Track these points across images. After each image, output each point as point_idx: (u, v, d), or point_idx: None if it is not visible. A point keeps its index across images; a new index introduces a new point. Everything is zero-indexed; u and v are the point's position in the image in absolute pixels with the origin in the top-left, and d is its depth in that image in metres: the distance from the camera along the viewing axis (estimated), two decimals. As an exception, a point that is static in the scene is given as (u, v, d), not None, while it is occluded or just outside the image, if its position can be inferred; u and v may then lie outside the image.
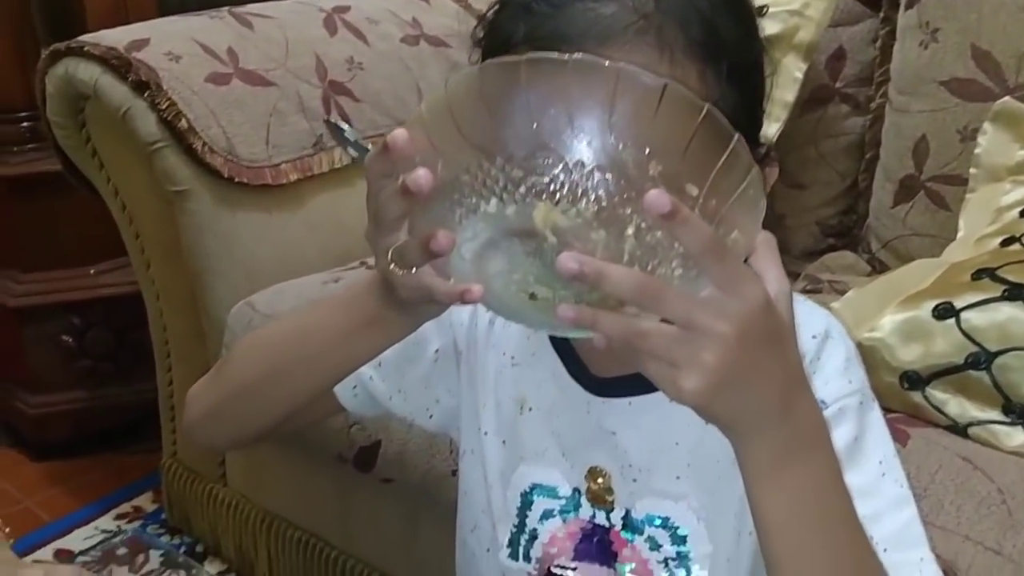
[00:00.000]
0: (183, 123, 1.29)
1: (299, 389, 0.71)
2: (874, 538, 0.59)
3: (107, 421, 1.74)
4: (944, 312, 0.94)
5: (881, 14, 1.37)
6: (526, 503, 0.72)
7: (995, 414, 0.91)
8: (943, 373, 0.93)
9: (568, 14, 0.57)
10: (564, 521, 0.72)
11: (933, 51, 1.26)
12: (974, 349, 0.92)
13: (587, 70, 0.49)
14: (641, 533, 0.69)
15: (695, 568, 0.69)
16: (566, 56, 0.49)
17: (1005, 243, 1.05)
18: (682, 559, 0.69)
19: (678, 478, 0.67)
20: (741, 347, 0.47)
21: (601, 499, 0.70)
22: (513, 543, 0.74)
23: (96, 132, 1.37)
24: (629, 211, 0.49)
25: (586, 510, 0.71)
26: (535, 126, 0.50)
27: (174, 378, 1.48)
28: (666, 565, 0.69)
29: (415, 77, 1.54)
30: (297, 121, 1.40)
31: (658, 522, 0.69)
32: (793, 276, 1.35)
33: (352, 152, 0.62)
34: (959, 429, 0.92)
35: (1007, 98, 1.17)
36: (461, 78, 0.51)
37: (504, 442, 0.74)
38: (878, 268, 1.32)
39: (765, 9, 1.28)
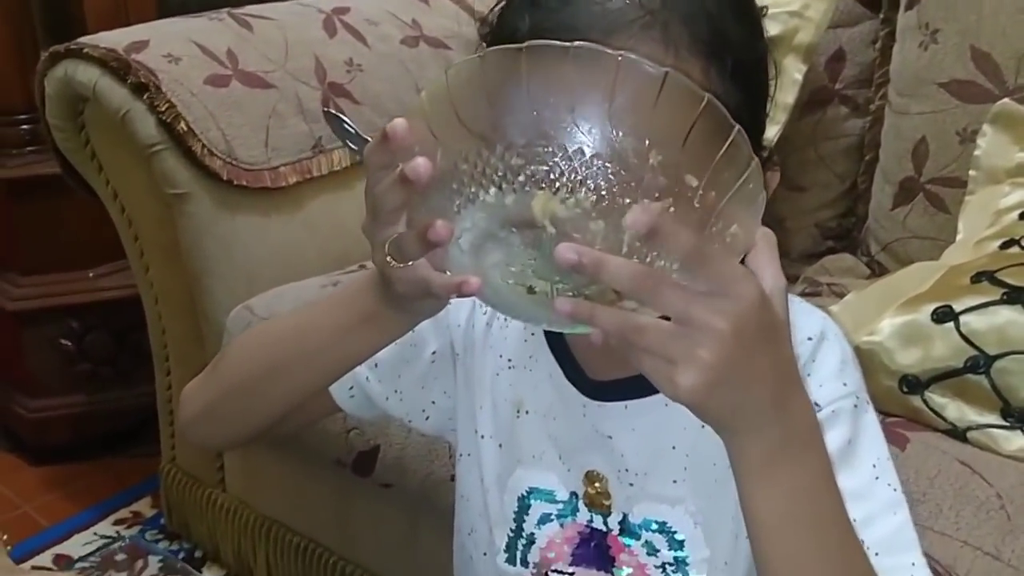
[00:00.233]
0: (182, 125, 1.29)
1: (296, 387, 0.70)
2: (866, 542, 0.59)
3: (106, 425, 1.74)
4: (943, 316, 0.94)
5: (881, 15, 1.37)
6: (523, 507, 0.72)
7: (994, 418, 0.91)
8: (942, 377, 0.93)
9: (574, 8, 0.57)
10: (561, 525, 0.72)
11: (933, 53, 1.25)
12: (973, 353, 0.92)
13: (588, 59, 0.49)
14: (638, 538, 0.69)
15: (692, 572, 0.68)
16: (567, 44, 0.49)
17: (1004, 246, 1.05)
18: (679, 563, 0.69)
19: (675, 482, 0.67)
20: (737, 343, 0.47)
21: (598, 503, 0.70)
22: (510, 547, 0.73)
23: (95, 134, 1.37)
24: (628, 201, 0.48)
25: (583, 514, 0.71)
26: (535, 114, 0.50)
27: (173, 382, 1.48)
28: (663, 570, 0.69)
29: (415, 78, 1.54)
30: (296, 123, 1.40)
31: (655, 526, 0.69)
32: (792, 279, 1.35)
33: (351, 145, 0.62)
34: (958, 433, 0.92)
35: (1006, 100, 1.17)
36: (462, 66, 0.51)
37: (501, 445, 0.74)
38: (877, 271, 1.32)
39: (765, 10, 1.27)
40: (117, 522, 1.60)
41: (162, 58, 1.32)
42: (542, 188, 0.50)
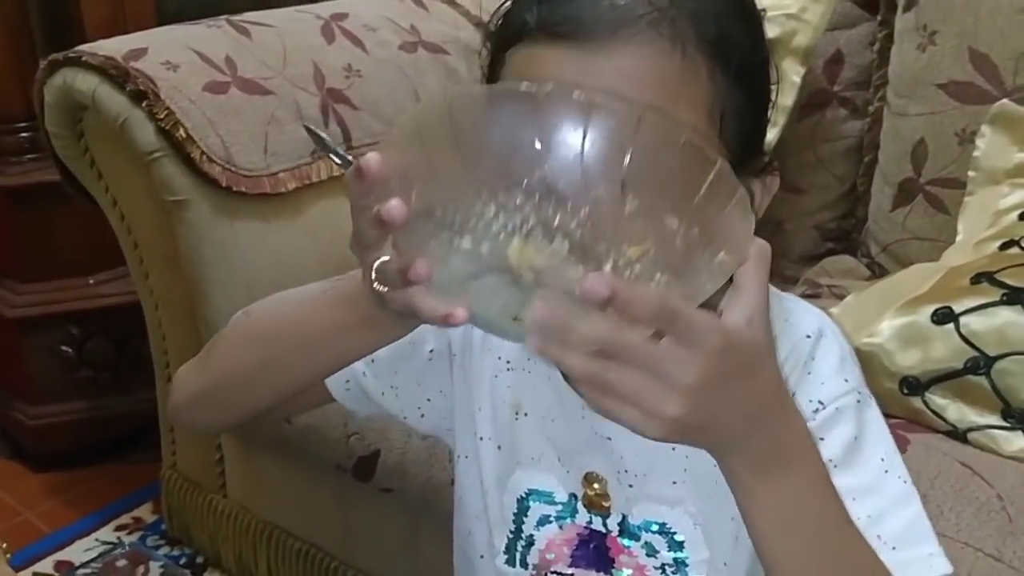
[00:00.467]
0: (181, 132, 1.29)
1: (289, 380, 0.70)
2: (882, 537, 0.59)
3: (107, 431, 1.74)
4: (943, 317, 0.94)
5: (879, 17, 1.37)
6: (522, 508, 0.72)
7: (994, 419, 0.91)
8: (942, 378, 0.93)
9: (583, 2, 0.56)
10: (561, 527, 0.72)
11: (931, 54, 1.26)
12: (973, 354, 0.92)
13: (558, 101, 0.48)
14: (638, 539, 0.69)
15: (692, 573, 0.68)
16: (534, 88, 0.48)
17: (1004, 247, 1.05)
18: (679, 565, 0.68)
19: (674, 483, 0.67)
20: (706, 391, 0.48)
21: (597, 505, 0.70)
22: (510, 549, 0.73)
23: (94, 142, 1.37)
24: (606, 247, 0.48)
25: (583, 516, 0.71)
26: (505, 162, 0.49)
27: (173, 388, 1.48)
28: (663, 571, 0.69)
29: (413, 84, 1.54)
30: (295, 129, 1.40)
31: (655, 528, 0.69)
32: (792, 280, 1.35)
33: (335, 160, 0.61)
34: (958, 434, 0.92)
35: (1005, 101, 1.17)
36: (431, 107, 0.50)
37: (500, 447, 0.73)
38: (877, 272, 1.32)
39: (763, 13, 1.27)
40: (118, 528, 1.60)
41: (160, 65, 1.32)
42: (516, 238, 0.49)
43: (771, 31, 1.31)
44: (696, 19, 0.57)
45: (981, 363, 0.91)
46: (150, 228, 1.39)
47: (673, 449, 0.67)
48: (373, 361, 0.74)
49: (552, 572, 0.72)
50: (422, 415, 0.78)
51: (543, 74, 0.56)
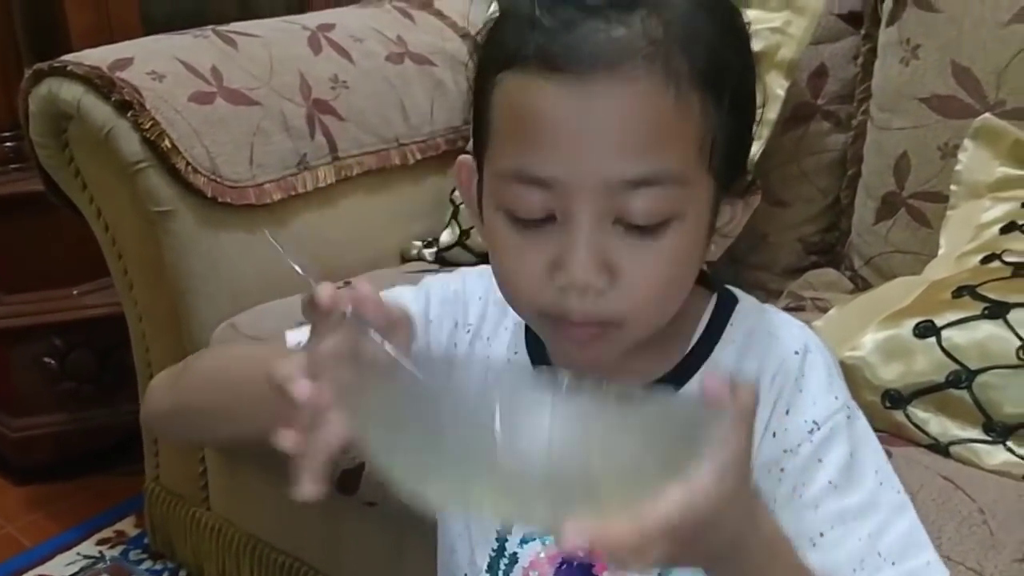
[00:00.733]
0: (166, 143, 1.29)
1: (244, 429, 0.70)
2: (881, 553, 0.60)
3: (89, 443, 1.73)
4: (925, 330, 0.95)
5: (862, 31, 1.37)
6: (505, 526, 0.72)
7: (976, 432, 0.91)
8: (924, 391, 0.94)
9: (579, 33, 0.55)
10: (544, 544, 0.71)
11: (914, 68, 1.26)
12: (955, 367, 0.92)
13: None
14: None
15: None
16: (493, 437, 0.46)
17: (985, 260, 1.05)
18: (663, 582, 0.68)
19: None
20: (675, 556, 0.48)
21: None
22: (492, 567, 0.73)
23: (79, 152, 1.37)
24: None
25: None
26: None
27: (157, 399, 1.47)
28: (647, 589, 0.69)
29: (399, 95, 1.54)
30: (281, 140, 1.40)
31: None
32: (776, 294, 1.35)
33: (297, 270, 0.60)
34: (940, 448, 0.92)
35: (987, 115, 1.18)
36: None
37: None
38: (861, 285, 1.32)
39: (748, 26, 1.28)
40: (100, 542, 1.59)
41: (146, 75, 1.32)
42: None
43: (756, 45, 1.31)
44: (689, 50, 0.56)
45: (963, 377, 0.91)
46: (135, 239, 1.39)
47: None
48: None
49: (535, 590, 0.72)
50: None
51: (538, 106, 0.56)
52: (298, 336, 0.72)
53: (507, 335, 0.73)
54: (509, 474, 0.45)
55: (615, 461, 0.46)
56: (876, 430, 0.93)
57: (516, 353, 0.72)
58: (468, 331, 0.74)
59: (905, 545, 0.62)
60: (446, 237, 1.50)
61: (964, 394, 0.91)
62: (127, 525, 1.62)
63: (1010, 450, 0.90)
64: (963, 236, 1.13)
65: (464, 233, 1.48)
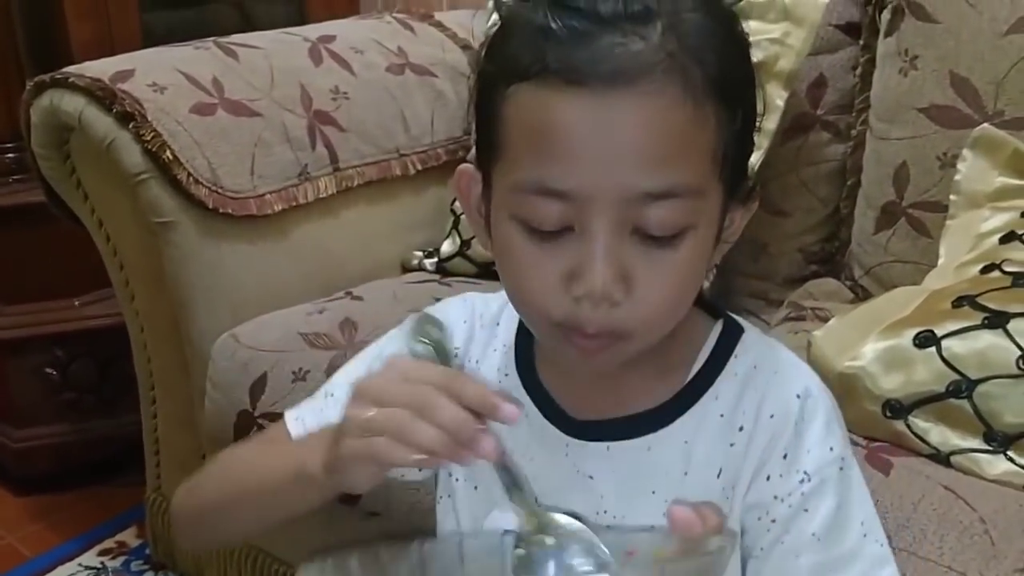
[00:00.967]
0: (168, 154, 1.29)
1: (272, 516, 0.72)
2: None
3: (90, 454, 1.73)
4: (925, 340, 0.95)
5: (861, 42, 1.38)
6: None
7: (977, 442, 0.91)
8: (925, 401, 0.94)
9: (597, 47, 0.55)
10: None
11: (912, 78, 1.27)
12: (955, 377, 0.92)
13: None
14: None
15: None
16: None
17: (985, 270, 1.05)
18: (654, 606, 0.68)
19: (653, 528, 0.67)
20: None
21: None
22: (490, 579, 0.73)
23: (80, 163, 1.37)
24: None
25: None
26: None
27: (158, 410, 1.47)
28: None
29: (400, 106, 1.55)
30: (282, 151, 1.40)
31: None
32: (776, 303, 1.35)
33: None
34: (941, 458, 0.92)
35: (985, 125, 1.18)
36: None
37: (476, 488, 0.73)
38: (861, 295, 1.32)
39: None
40: (102, 552, 1.58)
41: (147, 87, 1.32)
42: None
43: (755, 55, 1.32)
44: (703, 60, 0.56)
45: (963, 386, 0.91)
46: (136, 249, 1.39)
47: (653, 493, 0.67)
48: None
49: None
50: (420, 469, 0.77)
51: (557, 120, 0.56)
52: (296, 414, 0.73)
53: (496, 356, 0.73)
54: None
55: None
56: (877, 440, 0.95)
57: (507, 375, 0.72)
58: (455, 355, 0.74)
59: None
60: (447, 247, 1.51)
61: (965, 404, 0.91)
62: (128, 536, 1.62)
63: (1011, 460, 0.90)
64: (963, 246, 1.13)
65: (465, 243, 1.49)
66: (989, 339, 0.93)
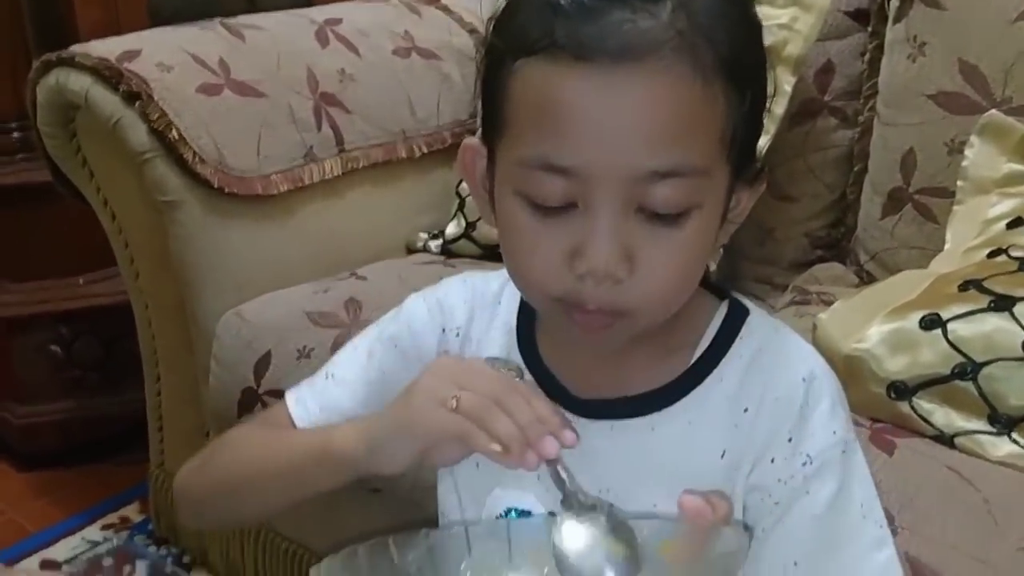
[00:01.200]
0: (174, 133, 1.29)
1: (276, 499, 0.73)
2: None
3: (95, 431, 1.73)
4: (931, 323, 0.95)
5: (869, 28, 1.38)
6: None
7: (981, 424, 0.91)
8: (930, 383, 0.94)
9: (606, 23, 0.54)
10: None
11: (921, 65, 1.27)
12: (960, 360, 0.92)
13: None
14: None
15: None
16: None
17: (992, 255, 1.05)
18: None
19: (655, 506, 0.67)
20: None
21: None
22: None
23: (86, 142, 1.37)
24: None
25: None
26: None
27: (162, 388, 1.48)
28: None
29: (406, 89, 1.55)
30: (288, 132, 1.40)
31: None
32: (781, 288, 1.35)
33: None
34: (945, 439, 0.92)
35: (993, 111, 1.18)
36: None
37: (478, 465, 0.72)
38: (866, 280, 1.32)
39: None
40: (105, 527, 1.59)
41: (154, 67, 1.32)
42: None
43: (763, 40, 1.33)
44: (714, 40, 0.56)
45: (968, 369, 0.92)
46: (141, 228, 1.39)
47: (656, 472, 0.66)
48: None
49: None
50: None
51: (564, 96, 0.55)
52: (297, 396, 0.74)
53: (498, 336, 0.72)
54: None
55: None
56: (880, 421, 0.95)
57: (508, 354, 0.72)
58: (457, 334, 0.74)
59: None
60: (452, 229, 1.51)
61: (969, 386, 0.91)
62: (131, 512, 1.62)
63: (1015, 442, 0.90)
64: (969, 231, 1.13)
65: (470, 225, 1.49)
66: (995, 322, 0.93)
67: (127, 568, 1.55)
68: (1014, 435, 0.91)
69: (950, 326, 0.94)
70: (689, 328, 0.66)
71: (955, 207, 1.18)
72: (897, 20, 1.30)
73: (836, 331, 0.99)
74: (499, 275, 0.73)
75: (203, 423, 1.38)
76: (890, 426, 0.94)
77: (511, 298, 0.73)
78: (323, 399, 0.74)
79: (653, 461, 0.66)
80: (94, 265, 1.68)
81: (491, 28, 0.62)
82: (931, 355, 0.94)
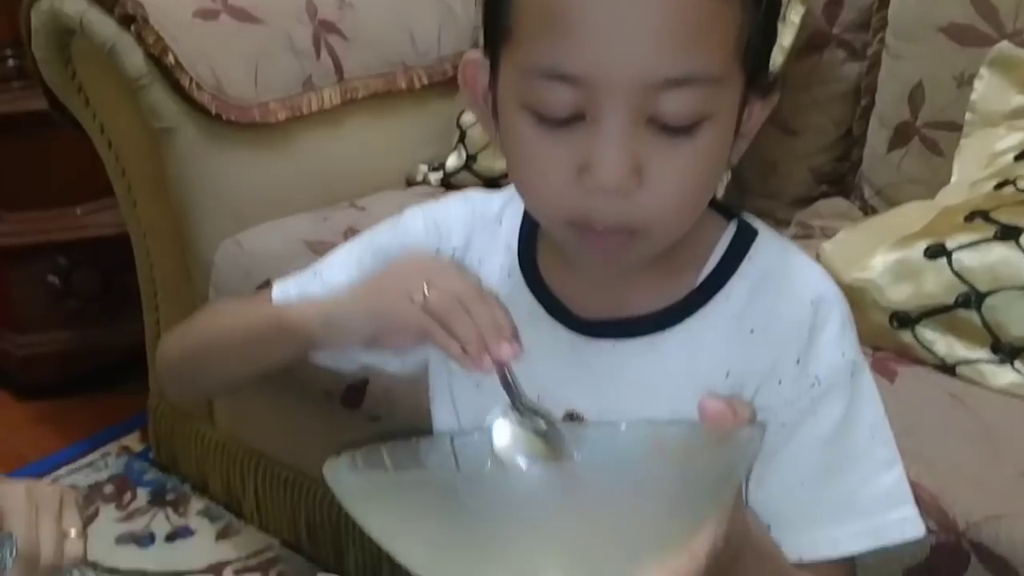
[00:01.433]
0: (170, 58, 1.27)
1: (251, 366, 0.73)
2: (856, 506, 0.61)
3: (94, 362, 1.73)
4: (936, 252, 0.94)
5: (879, -41, 1.35)
6: None
7: (983, 353, 0.91)
8: (933, 313, 0.93)
9: None
10: None
11: (932, -4, 1.24)
12: (964, 289, 0.92)
13: None
14: None
15: None
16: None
17: (999, 186, 1.04)
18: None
19: (682, 421, 0.66)
20: None
21: None
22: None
23: (82, 68, 1.35)
24: None
25: None
26: None
27: (161, 318, 1.47)
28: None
29: (407, 19, 1.52)
30: (286, 60, 1.38)
31: None
32: (784, 223, 1.34)
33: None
34: (947, 368, 0.92)
35: (1004, 43, 1.16)
36: None
37: (478, 385, 0.72)
38: (870, 215, 1.31)
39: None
40: (105, 455, 1.59)
41: (150, -11, 1.30)
42: None
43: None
44: None
45: (972, 298, 0.91)
46: (138, 156, 1.38)
47: (659, 392, 0.65)
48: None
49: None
50: (402, 363, 0.76)
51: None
52: (283, 286, 0.74)
53: (499, 256, 0.71)
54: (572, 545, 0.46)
55: (653, 512, 0.46)
56: (880, 349, 0.94)
57: (510, 275, 0.71)
58: (453, 255, 0.72)
59: (884, 500, 0.62)
60: (452, 162, 1.49)
61: (973, 315, 0.91)
62: (132, 441, 1.63)
63: (1017, 371, 0.90)
64: (977, 164, 1.12)
65: (471, 158, 1.47)
66: (1000, 252, 0.92)
67: (127, 495, 1.58)
68: (1016, 364, 0.90)
69: (955, 256, 0.93)
70: (696, 248, 0.65)
71: (963, 140, 1.17)
72: (909, -50, 1.28)
73: (840, 260, 0.98)
74: (501, 194, 0.71)
75: (202, 353, 1.38)
76: (892, 355, 0.94)
77: (513, 217, 0.71)
78: (305, 293, 0.74)
79: (655, 381, 0.66)
80: (91, 196, 1.67)
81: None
82: (935, 285, 0.93)
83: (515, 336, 0.61)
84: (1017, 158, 1.09)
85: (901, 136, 1.27)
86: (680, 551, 0.47)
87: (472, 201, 0.74)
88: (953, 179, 1.14)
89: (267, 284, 1.23)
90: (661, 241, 0.59)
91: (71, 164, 1.60)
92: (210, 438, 1.45)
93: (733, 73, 0.57)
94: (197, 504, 1.47)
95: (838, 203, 1.35)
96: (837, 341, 0.63)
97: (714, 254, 0.65)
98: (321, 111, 1.41)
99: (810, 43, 1.36)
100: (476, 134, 1.46)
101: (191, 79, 1.29)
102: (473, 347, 0.59)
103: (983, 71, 1.16)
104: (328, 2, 1.45)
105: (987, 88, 1.16)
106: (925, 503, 0.76)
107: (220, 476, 1.45)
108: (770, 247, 0.66)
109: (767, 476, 0.63)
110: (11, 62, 1.65)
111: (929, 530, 0.75)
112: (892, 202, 1.28)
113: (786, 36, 1.29)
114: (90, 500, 1.46)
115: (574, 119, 0.55)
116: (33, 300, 1.70)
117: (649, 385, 0.66)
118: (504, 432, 0.59)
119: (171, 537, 1.42)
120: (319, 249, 1.24)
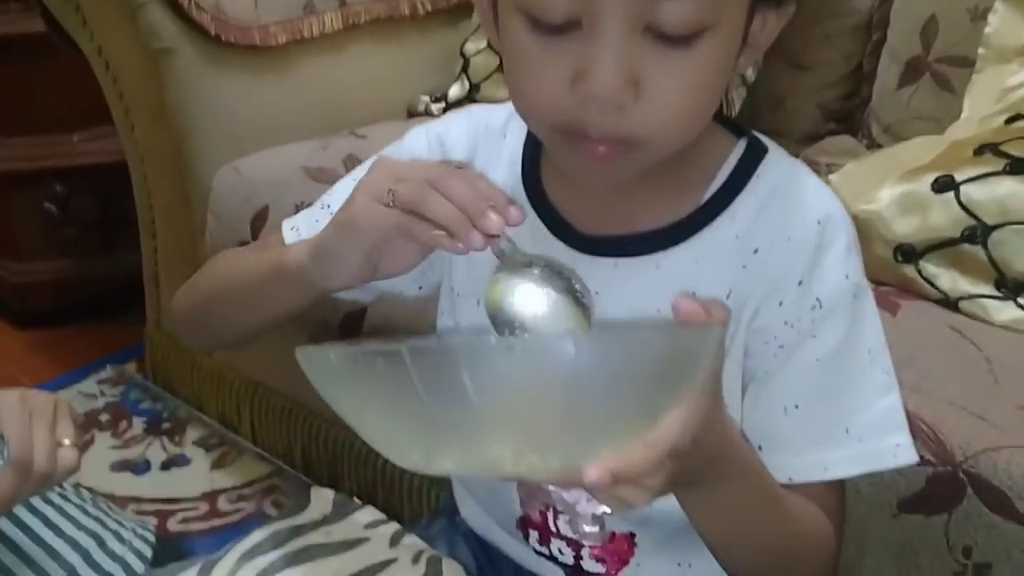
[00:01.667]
0: (168, -23, 1.24)
1: (260, 320, 0.71)
2: (850, 430, 0.60)
3: (92, 291, 1.72)
4: (944, 185, 0.93)
5: None
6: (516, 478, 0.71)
7: (987, 288, 0.90)
8: (938, 246, 0.92)
9: None
10: None
11: (948, -73, 1.21)
12: (971, 223, 0.91)
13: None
14: None
15: None
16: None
17: (1010, 121, 1.03)
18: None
19: (655, 321, 0.66)
20: (666, 487, 0.49)
21: None
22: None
23: (79, -13, 1.32)
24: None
25: None
26: None
27: (159, 246, 1.46)
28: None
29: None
30: (287, -17, 1.35)
31: None
32: (791, 159, 1.32)
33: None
34: (950, 303, 0.91)
35: (1022, -25, 1.13)
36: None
37: (479, 302, 0.71)
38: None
39: None
40: (101, 383, 1.59)
41: (148, -96, 1.26)
42: None
43: None
44: None
45: (978, 232, 0.90)
46: (136, 78, 1.36)
47: (659, 311, 0.65)
48: None
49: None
50: (420, 287, 0.75)
51: None
52: (292, 223, 0.72)
53: (502, 170, 0.70)
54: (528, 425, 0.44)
55: (613, 399, 0.45)
56: (883, 284, 0.93)
57: (512, 190, 0.70)
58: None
59: (878, 425, 0.61)
60: (455, 91, 1.47)
61: (978, 250, 0.90)
62: (128, 369, 1.62)
63: (1020, 307, 0.89)
64: (988, 99, 1.09)
65: (474, 88, 1.45)
66: (1010, 186, 0.91)
67: (123, 423, 1.58)
68: (1020, 300, 0.89)
69: (963, 188, 0.91)
70: (703, 165, 0.64)
71: (974, 76, 1.14)
72: None
73: (847, 192, 0.96)
74: (506, 107, 0.70)
75: (200, 280, 1.37)
76: (895, 290, 0.93)
77: (517, 131, 0.70)
78: (316, 228, 0.72)
79: (657, 299, 0.64)
80: (88, 123, 1.64)
81: None
82: (941, 218, 0.92)
83: (507, 201, 0.57)
84: (1030, 93, 1.07)
85: (912, 71, 1.25)
86: (635, 440, 0.46)
87: (475, 115, 0.73)
88: (964, 115, 1.11)
89: (265, 210, 1.24)
90: (658, 154, 0.58)
91: (68, 90, 1.57)
92: (207, 368, 1.45)
93: None
94: (192, 434, 1.47)
95: (845, 140, 1.33)
96: (841, 263, 0.62)
97: (722, 171, 0.64)
98: (323, 36, 1.39)
99: (822, -25, 1.33)
100: (479, 63, 1.43)
101: (190, -1, 1.26)
102: (456, 225, 0.56)
103: (998, 4, 1.14)
104: (330, -76, 1.41)
105: (1001, 22, 1.13)
106: (923, 434, 0.76)
107: (216, 406, 1.45)
108: (779, 164, 0.65)
109: (763, 397, 0.63)
110: (8, -17, 1.61)
111: (926, 461, 0.75)
112: (900, 139, 1.26)
113: (797, -32, 1.26)
114: (86, 428, 1.46)
115: (570, 26, 0.54)
116: (30, 228, 1.68)
117: (650, 305, 0.65)
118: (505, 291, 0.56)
119: (166, 465, 1.42)
120: (318, 176, 1.23)
